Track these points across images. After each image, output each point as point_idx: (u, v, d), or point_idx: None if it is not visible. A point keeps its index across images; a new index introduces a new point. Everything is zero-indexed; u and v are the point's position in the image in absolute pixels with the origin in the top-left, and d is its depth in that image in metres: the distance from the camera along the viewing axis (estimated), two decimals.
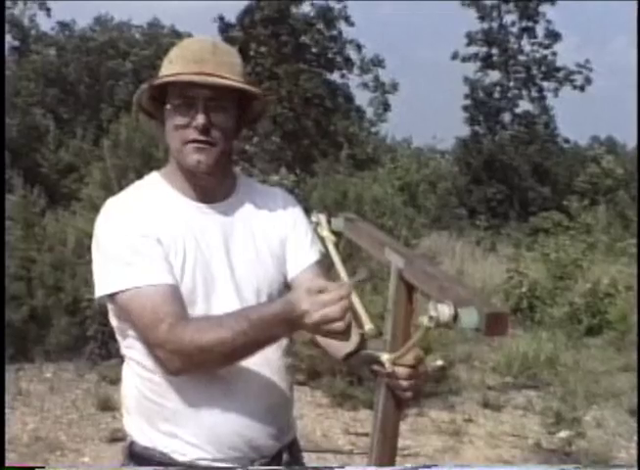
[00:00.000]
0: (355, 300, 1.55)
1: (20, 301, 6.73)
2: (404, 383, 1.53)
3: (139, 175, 1.93)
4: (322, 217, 1.90)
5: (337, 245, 1.86)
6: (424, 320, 1.35)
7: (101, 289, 1.72)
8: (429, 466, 4.46)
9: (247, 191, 1.89)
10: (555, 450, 5.41)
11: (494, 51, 33.08)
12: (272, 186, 2.14)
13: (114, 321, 1.80)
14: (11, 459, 4.34)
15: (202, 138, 1.72)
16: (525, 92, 33.43)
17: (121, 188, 1.88)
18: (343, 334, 1.48)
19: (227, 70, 1.74)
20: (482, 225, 23.46)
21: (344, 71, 29.11)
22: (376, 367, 1.55)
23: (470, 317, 1.30)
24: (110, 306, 1.78)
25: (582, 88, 32.77)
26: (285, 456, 1.85)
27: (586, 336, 9.41)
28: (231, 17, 27.31)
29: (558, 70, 32.91)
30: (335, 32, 28.26)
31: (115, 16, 39.24)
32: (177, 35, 33.61)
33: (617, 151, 36.75)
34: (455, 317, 1.32)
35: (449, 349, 6.94)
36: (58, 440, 5.01)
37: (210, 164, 1.74)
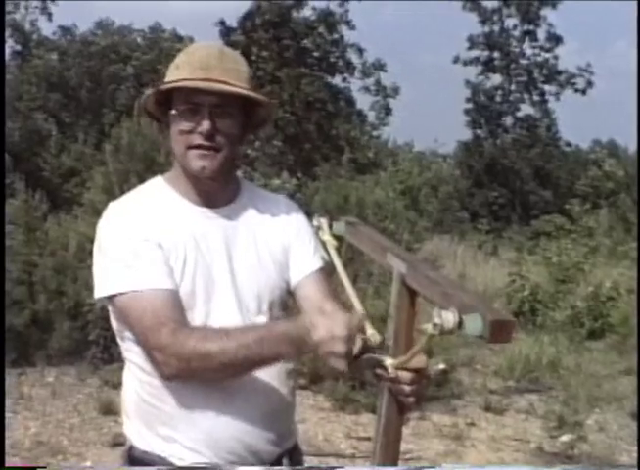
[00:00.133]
0: (357, 303, 1.55)
1: (22, 305, 6.74)
2: (407, 388, 1.53)
3: (141, 180, 1.94)
4: (323, 221, 1.90)
5: (338, 249, 1.86)
6: (428, 327, 1.35)
7: (100, 291, 1.72)
8: (431, 467, 4.48)
9: (250, 196, 1.89)
10: (557, 454, 5.41)
11: (496, 54, 33.06)
12: (275, 192, 2.14)
13: (114, 323, 1.81)
14: (13, 464, 4.34)
15: (206, 144, 1.72)
16: (526, 95, 33.42)
17: (123, 192, 1.89)
18: (342, 358, 1.49)
19: (233, 76, 1.74)
20: (484, 229, 23.46)
21: (346, 75, 29.11)
22: (379, 372, 1.55)
23: (474, 324, 1.30)
24: (110, 309, 1.78)
25: (584, 92, 32.74)
26: (285, 462, 1.84)
27: (588, 339, 9.41)
28: (232, 21, 27.33)
29: (559, 73, 32.88)
30: (336, 36, 28.23)
31: (117, 20, 39.30)
32: (179, 39, 33.68)
33: (619, 154, 36.66)
34: (459, 324, 1.31)
35: (451, 352, 6.94)
36: (60, 444, 5.01)
37: (215, 169, 1.74)
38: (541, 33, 32.81)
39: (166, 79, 1.77)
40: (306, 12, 27.80)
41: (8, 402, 5.36)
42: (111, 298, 1.71)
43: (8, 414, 5.10)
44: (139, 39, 35.81)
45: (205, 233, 1.78)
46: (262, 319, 1.79)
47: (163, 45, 32.80)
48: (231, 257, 1.79)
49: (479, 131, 33.43)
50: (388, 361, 1.52)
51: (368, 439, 5.19)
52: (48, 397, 5.94)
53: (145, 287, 1.67)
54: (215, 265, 1.77)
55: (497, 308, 1.39)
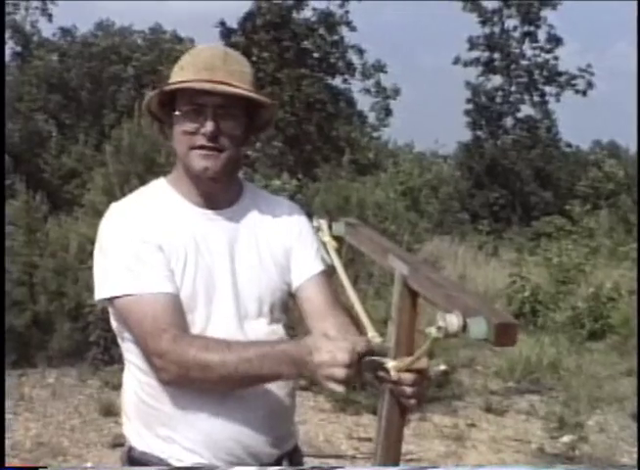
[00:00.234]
0: (358, 306, 1.55)
1: (22, 306, 6.74)
2: (409, 390, 1.52)
3: (141, 181, 1.94)
4: (323, 222, 1.90)
5: (339, 250, 1.85)
6: (432, 331, 1.35)
7: (101, 292, 1.73)
8: (432, 467, 4.47)
9: (252, 198, 1.89)
10: (558, 455, 5.40)
11: (496, 56, 33.03)
12: (275, 193, 2.14)
13: (114, 324, 1.81)
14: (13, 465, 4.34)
15: (210, 144, 1.72)
16: (526, 97, 33.39)
17: (124, 194, 1.89)
18: (341, 383, 1.48)
19: (237, 78, 1.74)
20: (485, 230, 23.46)
21: (346, 76, 29.12)
22: (381, 374, 1.54)
23: (479, 328, 1.29)
24: (110, 310, 1.78)
25: (584, 93, 32.71)
26: (285, 464, 1.84)
27: (589, 340, 9.40)
28: (233, 22, 27.35)
29: (560, 74, 32.86)
30: (336, 37, 28.24)
31: (117, 21, 39.37)
32: (179, 41, 33.74)
33: (620, 155, 36.70)
34: (464, 328, 1.31)
35: (452, 353, 6.94)
36: (60, 445, 5.00)
37: (217, 170, 1.74)
38: (542, 34, 32.84)
39: (171, 80, 1.77)
40: (307, 13, 27.86)
41: (8, 404, 5.36)
42: (111, 299, 1.71)
43: (8, 415, 5.09)
44: (139, 40, 35.83)
45: (206, 235, 1.78)
46: (263, 322, 1.80)
47: (164, 46, 32.85)
48: (233, 258, 1.79)
49: (479, 132, 33.41)
50: (390, 364, 1.51)
51: (369, 440, 5.19)
52: (49, 398, 5.94)
53: (146, 291, 1.67)
54: (217, 267, 1.77)
55: (501, 311, 1.38)
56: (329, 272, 1.89)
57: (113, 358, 6.13)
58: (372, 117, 31.91)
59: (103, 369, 6.39)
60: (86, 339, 6.61)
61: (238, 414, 1.73)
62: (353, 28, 28.41)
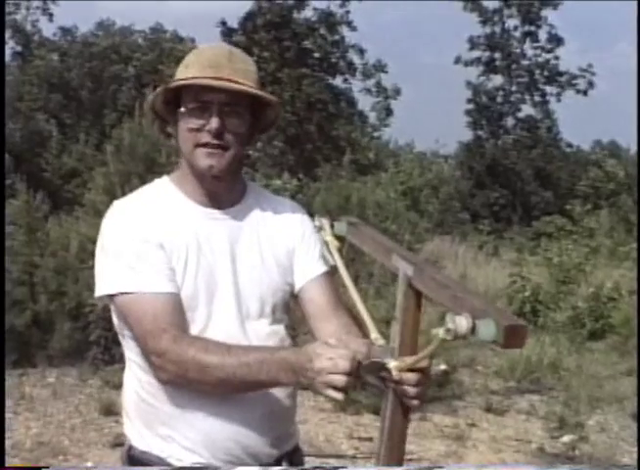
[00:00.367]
0: (361, 306, 1.54)
1: (22, 306, 6.74)
2: (411, 390, 1.52)
3: (142, 180, 1.93)
4: (325, 222, 1.90)
5: (340, 250, 1.85)
6: (440, 332, 1.34)
7: (101, 289, 1.73)
8: (437, 466, 4.47)
9: (256, 198, 1.89)
10: (558, 455, 5.40)
11: (497, 55, 33.06)
12: (276, 193, 2.13)
13: (115, 321, 1.81)
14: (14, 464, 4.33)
15: (215, 142, 1.72)
16: (527, 96, 33.42)
17: (124, 193, 1.88)
18: (340, 391, 1.48)
19: (242, 76, 1.74)
20: (485, 230, 23.47)
21: (347, 76, 29.14)
22: (383, 374, 1.54)
23: (487, 330, 1.29)
24: (112, 307, 1.78)
25: (585, 92, 32.73)
26: (284, 464, 1.83)
27: (589, 340, 9.40)
28: (233, 21, 27.36)
29: (560, 74, 32.87)
30: (337, 37, 28.25)
31: (118, 21, 39.41)
32: (180, 40, 33.75)
33: (620, 155, 36.68)
34: (473, 330, 1.31)
35: (452, 353, 6.93)
36: (61, 445, 5.00)
37: (222, 168, 1.74)
38: (542, 34, 32.89)
39: (175, 78, 1.77)
40: (307, 13, 27.86)
41: (9, 403, 5.37)
42: (111, 296, 1.71)
43: (9, 415, 5.10)
44: (140, 40, 35.84)
45: (209, 234, 1.78)
46: (264, 322, 1.79)
47: (164, 46, 32.84)
48: (235, 258, 1.78)
49: (480, 132, 33.43)
50: (392, 364, 1.51)
51: (369, 439, 5.20)
52: (49, 397, 5.94)
53: (146, 290, 1.67)
54: (218, 267, 1.76)
55: (509, 313, 1.38)
56: (331, 273, 1.88)
57: (113, 358, 6.13)
58: (372, 117, 31.97)
59: (103, 369, 6.39)
60: (86, 338, 6.61)
61: (237, 414, 1.73)
62: (354, 28, 28.46)
